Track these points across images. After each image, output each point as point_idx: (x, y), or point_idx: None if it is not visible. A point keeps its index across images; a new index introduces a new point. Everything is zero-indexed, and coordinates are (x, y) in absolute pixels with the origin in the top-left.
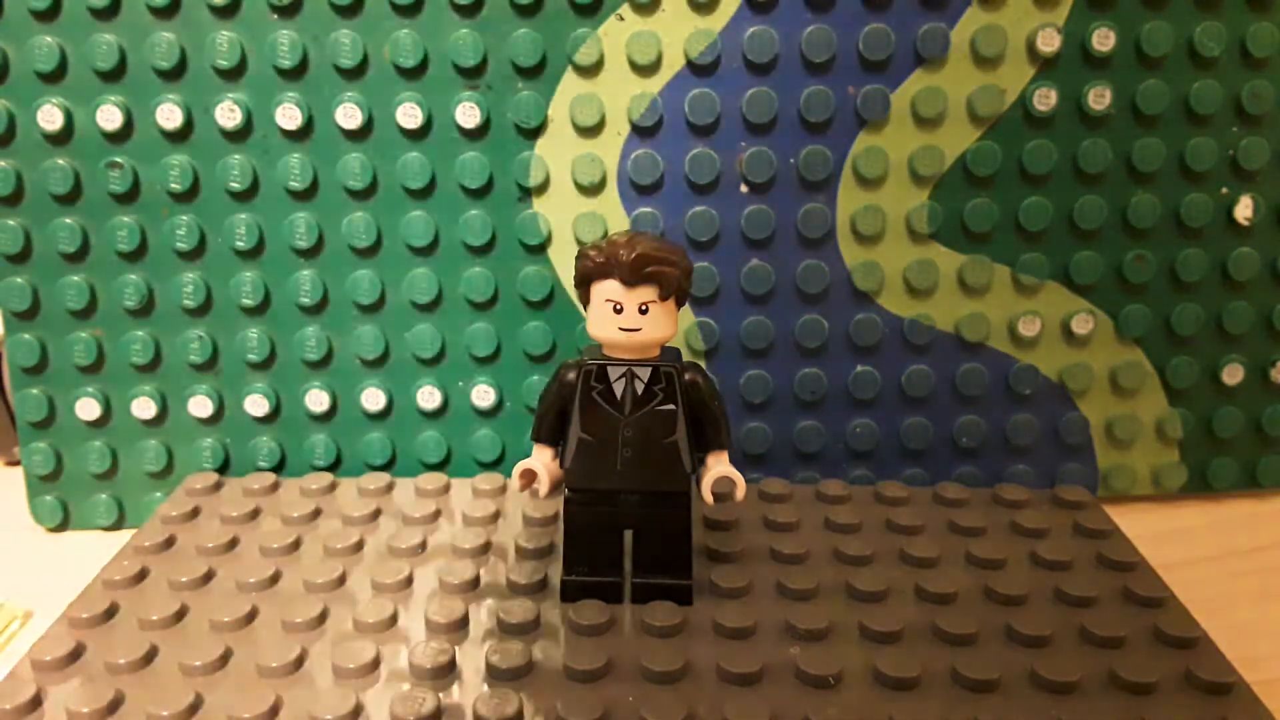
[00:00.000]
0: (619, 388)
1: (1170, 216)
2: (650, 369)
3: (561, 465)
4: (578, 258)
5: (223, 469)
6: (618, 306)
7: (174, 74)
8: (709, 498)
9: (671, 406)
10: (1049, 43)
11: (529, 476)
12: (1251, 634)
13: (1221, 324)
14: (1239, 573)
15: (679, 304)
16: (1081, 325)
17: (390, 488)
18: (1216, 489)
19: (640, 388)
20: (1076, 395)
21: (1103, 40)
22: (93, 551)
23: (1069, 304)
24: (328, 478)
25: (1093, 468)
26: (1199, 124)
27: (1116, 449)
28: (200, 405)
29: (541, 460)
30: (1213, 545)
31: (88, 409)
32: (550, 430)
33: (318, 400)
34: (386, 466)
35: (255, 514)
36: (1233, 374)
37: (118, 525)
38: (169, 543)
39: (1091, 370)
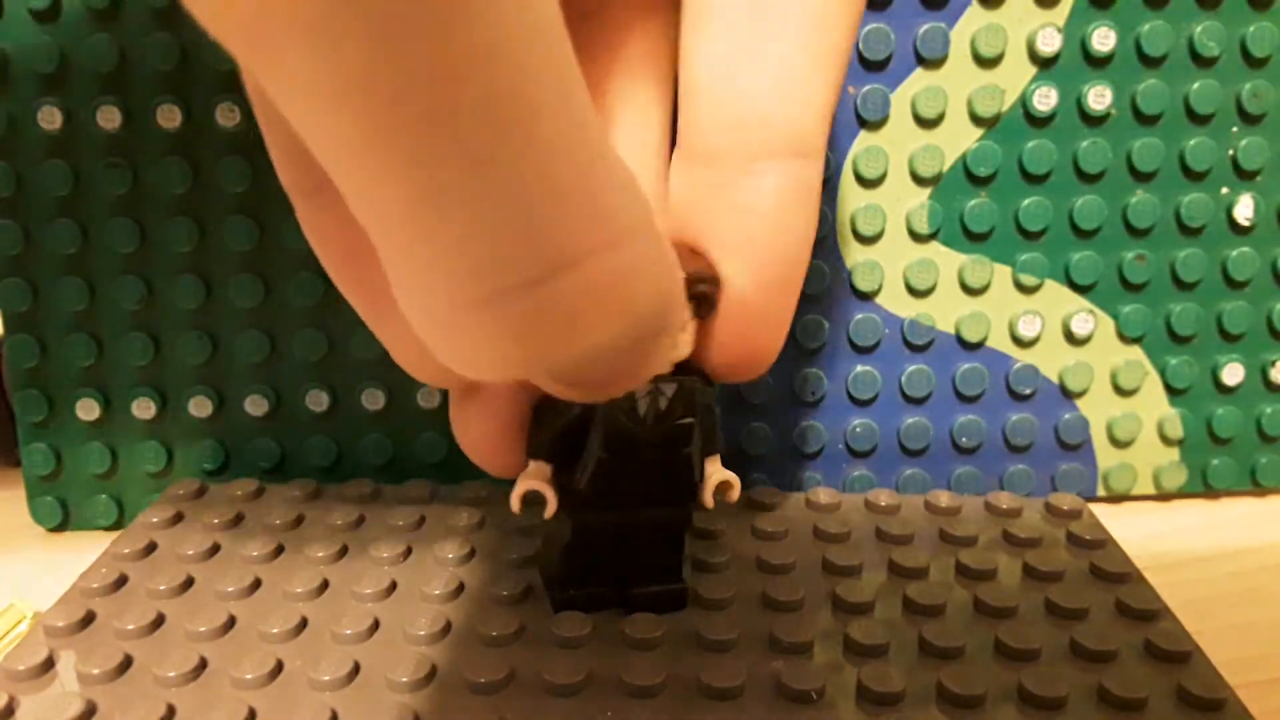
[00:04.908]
0: (643, 405)
1: (1170, 216)
2: (674, 385)
3: (577, 484)
4: None
5: (223, 469)
6: None
7: (175, 74)
8: (709, 501)
9: (690, 420)
10: (1049, 43)
11: (533, 499)
12: (1251, 634)
13: (1221, 324)
14: (1239, 573)
15: None
16: (1081, 325)
17: (375, 495)
18: (1216, 489)
19: (664, 404)
20: (1076, 395)
21: (1103, 40)
22: (92, 552)
23: (1069, 304)
24: (312, 484)
25: (1093, 468)
26: (1199, 124)
27: (1116, 449)
28: (200, 405)
29: (543, 477)
30: (1213, 545)
31: (88, 409)
32: (552, 446)
33: (317, 400)
34: (387, 466)
35: (238, 520)
36: (1233, 374)
37: (118, 525)
38: (149, 549)
39: (1091, 370)
